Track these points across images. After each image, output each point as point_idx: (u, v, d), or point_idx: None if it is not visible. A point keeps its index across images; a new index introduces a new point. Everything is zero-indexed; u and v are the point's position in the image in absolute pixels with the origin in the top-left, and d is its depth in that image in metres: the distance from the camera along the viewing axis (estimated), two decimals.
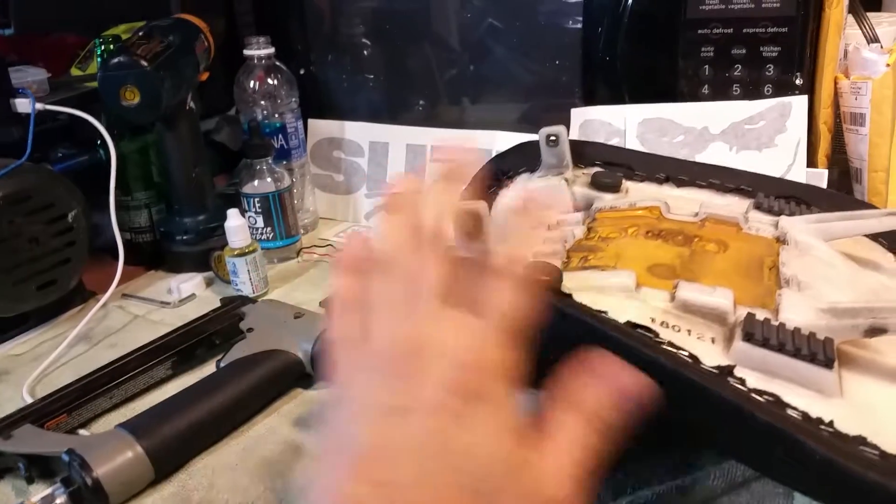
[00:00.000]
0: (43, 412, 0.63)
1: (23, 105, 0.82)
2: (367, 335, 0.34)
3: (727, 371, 0.40)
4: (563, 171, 0.66)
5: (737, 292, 0.45)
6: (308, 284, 0.91)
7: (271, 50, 0.98)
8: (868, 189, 0.85)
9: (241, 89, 1.00)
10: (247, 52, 0.98)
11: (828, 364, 0.39)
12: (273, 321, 0.73)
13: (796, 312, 0.43)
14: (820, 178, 0.85)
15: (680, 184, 0.65)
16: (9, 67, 0.86)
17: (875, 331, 0.40)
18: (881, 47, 0.88)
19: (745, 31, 0.85)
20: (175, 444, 0.59)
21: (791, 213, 0.59)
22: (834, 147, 0.88)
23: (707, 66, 0.87)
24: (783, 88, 0.85)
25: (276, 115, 1.01)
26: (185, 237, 0.94)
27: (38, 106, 0.82)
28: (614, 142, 0.87)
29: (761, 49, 0.86)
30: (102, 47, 0.91)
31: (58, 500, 0.53)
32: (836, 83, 0.88)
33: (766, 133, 0.85)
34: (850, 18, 0.89)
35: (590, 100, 0.94)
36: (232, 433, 0.64)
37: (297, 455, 0.60)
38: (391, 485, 0.28)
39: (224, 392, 0.64)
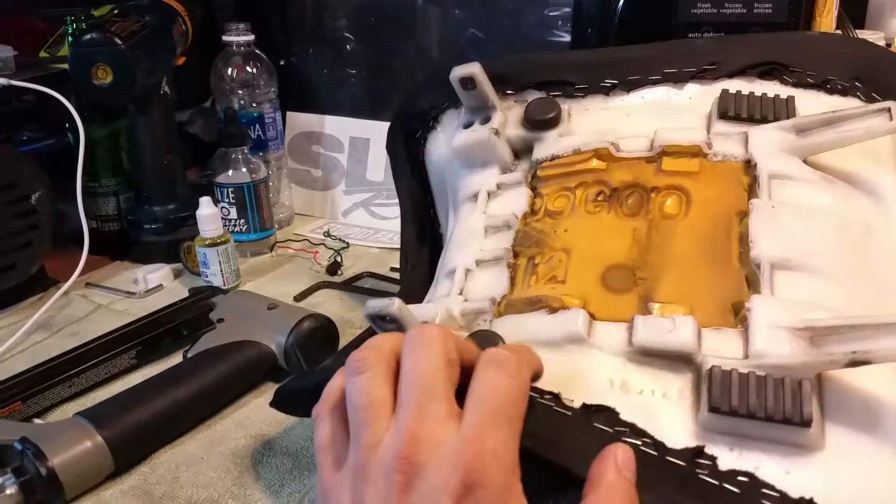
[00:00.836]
0: None
1: None
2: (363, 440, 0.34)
3: (696, 453, 0.37)
4: (490, 114, 0.56)
5: (701, 301, 0.42)
6: (281, 279, 0.88)
7: (251, 37, 0.96)
8: None
9: (218, 76, 0.97)
10: (226, 38, 0.95)
11: (805, 424, 0.35)
12: (245, 312, 0.70)
13: (768, 341, 0.38)
14: None
15: (630, 87, 0.56)
16: None
17: (857, 363, 0.35)
18: None
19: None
20: (137, 434, 0.56)
21: (763, 116, 0.50)
22: None
23: None
24: None
25: (254, 105, 0.98)
26: (153, 226, 0.91)
27: (2, 81, 0.78)
28: None
29: None
30: (74, 25, 0.87)
31: (8, 491, 0.49)
32: None
33: None
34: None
35: None
36: (198, 426, 0.60)
37: (267, 449, 0.57)
38: None
39: (190, 383, 0.61)
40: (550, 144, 0.54)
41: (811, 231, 0.44)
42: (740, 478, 0.35)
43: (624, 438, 0.37)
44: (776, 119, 0.50)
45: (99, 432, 0.54)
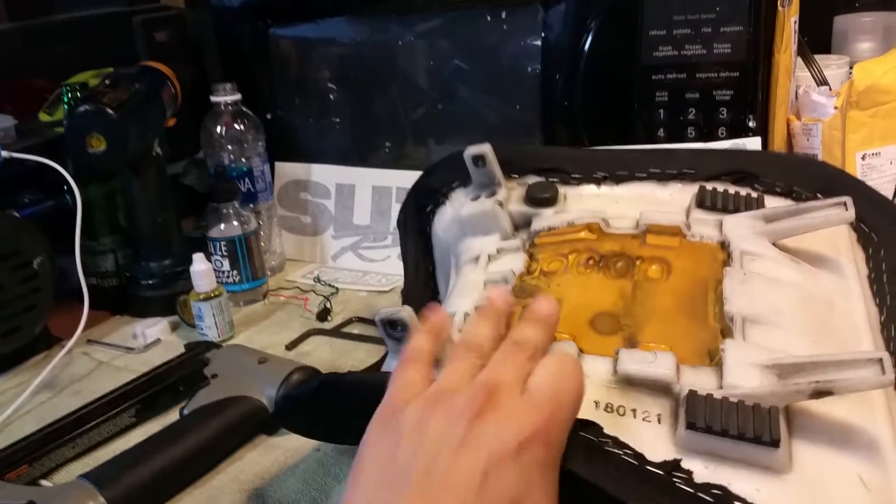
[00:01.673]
0: (4, 463, 0.63)
1: None
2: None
3: (674, 466, 0.40)
4: (496, 189, 0.63)
5: (680, 344, 0.46)
6: (274, 327, 0.92)
7: (238, 96, 1.00)
8: None
9: (207, 134, 1.01)
10: (213, 98, 1.00)
11: (774, 444, 0.38)
12: (237, 367, 0.73)
13: (740, 375, 0.42)
14: (754, 144, 0.87)
15: (619, 180, 0.63)
16: None
17: (820, 393, 0.39)
18: (829, 90, 0.91)
19: (698, 75, 0.88)
20: (138, 494, 0.59)
21: (735, 207, 0.57)
22: None
23: (662, 110, 0.90)
24: (737, 131, 0.88)
25: (243, 160, 1.02)
26: (150, 281, 0.95)
27: (5, 154, 0.83)
28: None
29: (714, 93, 0.88)
30: (69, 94, 0.92)
31: None
32: (788, 125, 0.91)
33: None
34: (801, 61, 0.92)
35: (550, 141, 0.96)
36: (196, 482, 0.64)
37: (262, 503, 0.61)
38: None
39: (187, 440, 0.64)
40: (547, 218, 0.60)
41: (779, 296, 0.49)
42: (714, 490, 0.38)
43: (607, 448, 0.40)
44: (748, 210, 0.56)
45: (102, 494, 0.57)
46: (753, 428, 0.39)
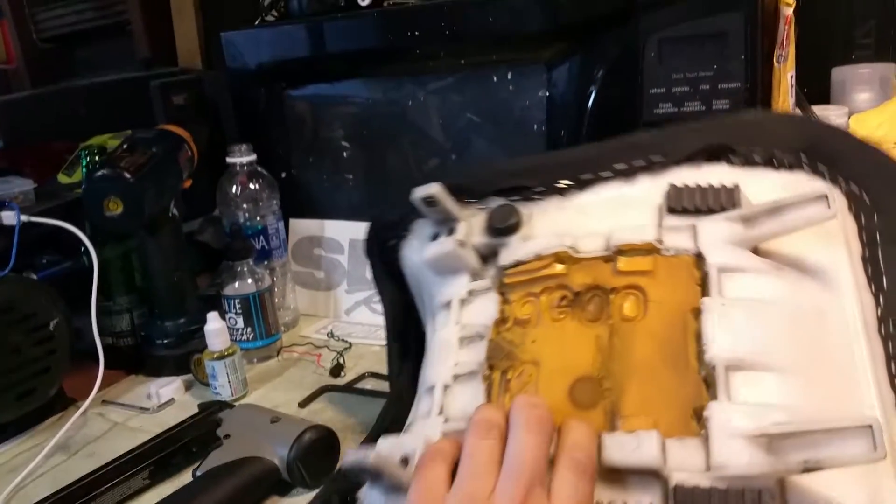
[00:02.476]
0: None
1: (8, 217, 0.85)
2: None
3: None
4: (454, 224, 0.59)
5: (664, 410, 0.44)
6: (287, 384, 0.92)
7: (253, 157, 1.02)
8: None
9: (223, 194, 1.03)
10: (229, 159, 1.02)
11: None
12: (250, 427, 0.73)
13: (727, 451, 0.41)
14: None
15: (583, 185, 0.58)
16: None
17: (810, 470, 0.38)
18: None
19: None
20: None
21: (709, 207, 0.52)
22: None
23: None
24: None
25: (258, 218, 1.03)
26: (165, 341, 0.96)
27: (23, 218, 0.85)
28: None
29: None
30: (87, 158, 0.94)
31: None
32: None
33: None
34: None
35: None
36: None
37: None
38: None
39: (201, 502, 0.64)
40: (513, 250, 0.56)
41: (763, 326, 0.46)
42: None
43: None
44: (723, 209, 0.51)
45: None
46: None
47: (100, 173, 0.85)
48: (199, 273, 1.12)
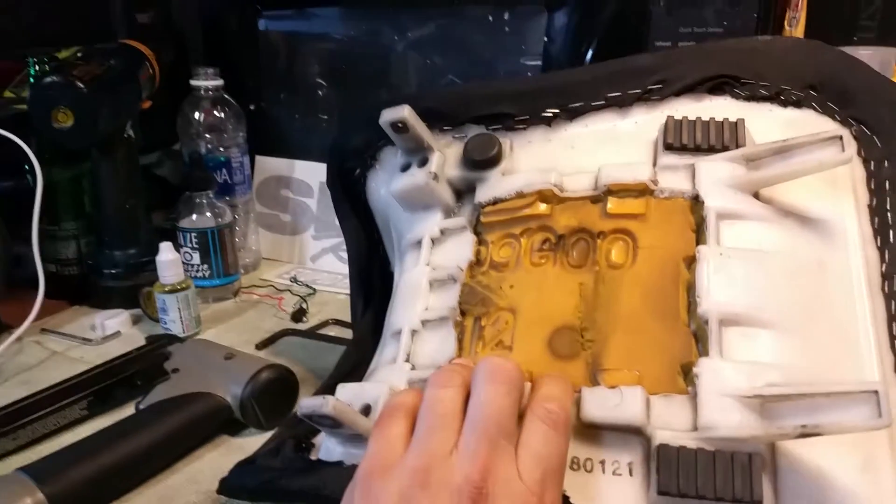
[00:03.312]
0: None
1: None
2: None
3: None
4: (427, 155, 0.54)
5: (649, 362, 0.41)
6: (244, 326, 0.87)
7: (220, 82, 0.95)
8: None
9: (185, 120, 0.96)
10: (194, 82, 0.95)
11: (755, 502, 0.35)
12: (201, 362, 0.68)
13: (717, 411, 0.38)
14: None
15: (572, 115, 0.53)
16: None
17: (807, 436, 0.35)
18: None
19: None
20: (83, 491, 0.54)
21: (710, 144, 0.48)
22: None
23: None
24: None
25: (222, 149, 0.97)
26: (113, 271, 0.89)
27: None
28: None
29: None
30: (37, 67, 0.86)
31: None
32: None
33: None
34: None
35: None
36: (148, 481, 0.58)
37: None
38: None
39: (141, 436, 0.59)
40: (492, 186, 0.52)
41: (761, 279, 0.43)
42: None
43: None
44: (725, 147, 0.48)
45: (40, 489, 0.51)
46: (733, 488, 0.35)
47: (48, 80, 0.78)
48: (154, 209, 1.05)
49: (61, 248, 0.91)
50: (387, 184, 0.57)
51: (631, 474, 0.38)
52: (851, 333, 0.42)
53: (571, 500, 0.38)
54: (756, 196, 0.46)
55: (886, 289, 0.43)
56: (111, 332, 0.83)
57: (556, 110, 0.54)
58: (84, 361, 0.77)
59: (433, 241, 0.53)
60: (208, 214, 0.90)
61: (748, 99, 0.51)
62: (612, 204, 0.48)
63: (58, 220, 0.90)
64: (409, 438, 0.37)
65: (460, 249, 0.51)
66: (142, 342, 0.76)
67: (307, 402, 0.41)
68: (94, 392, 0.67)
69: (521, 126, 0.54)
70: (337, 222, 1.02)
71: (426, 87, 1.00)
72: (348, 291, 0.94)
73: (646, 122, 0.52)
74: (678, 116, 0.49)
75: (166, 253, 0.80)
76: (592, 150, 0.51)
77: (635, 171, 0.48)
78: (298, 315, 0.87)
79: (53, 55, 0.89)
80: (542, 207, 0.50)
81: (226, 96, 0.97)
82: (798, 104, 0.50)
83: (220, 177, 0.97)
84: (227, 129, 0.97)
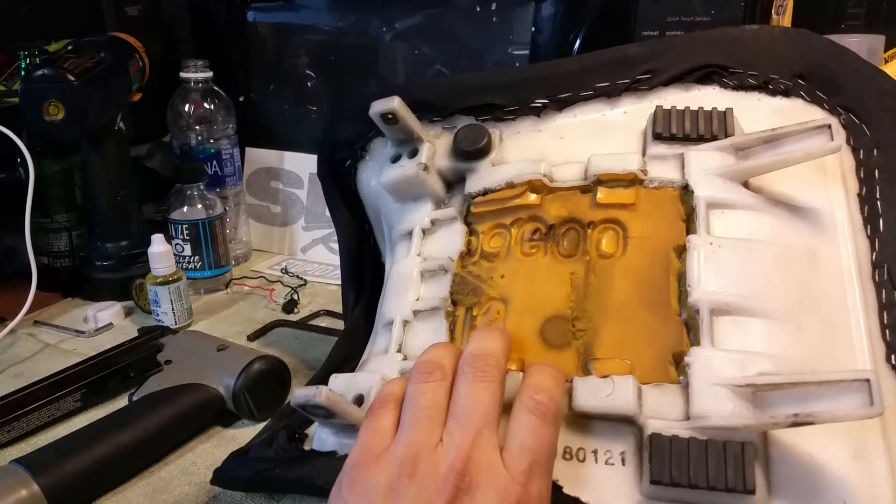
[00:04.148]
0: None
1: None
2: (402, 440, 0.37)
3: None
4: (417, 145, 0.54)
5: (641, 352, 0.41)
6: (236, 317, 0.87)
7: (209, 74, 0.95)
8: None
9: (175, 113, 0.96)
10: (183, 74, 0.95)
11: (748, 492, 0.35)
12: (194, 353, 0.68)
13: (709, 400, 0.38)
14: None
15: (561, 105, 0.53)
16: None
17: (799, 424, 0.35)
18: None
19: None
20: (77, 482, 0.54)
21: (699, 133, 0.48)
22: None
23: None
24: None
25: (212, 141, 0.97)
26: (105, 263, 0.89)
27: None
28: None
29: None
30: (28, 60, 0.86)
31: None
32: None
33: None
34: None
35: None
36: (142, 473, 0.59)
37: (213, 499, 0.56)
38: None
39: (134, 428, 0.59)
40: (482, 176, 0.52)
41: (752, 268, 0.43)
42: None
43: None
44: (714, 137, 0.48)
45: (35, 480, 0.52)
46: (725, 477, 0.36)
47: (40, 73, 0.78)
48: (145, 202, 1.05)
49: (53, 240, 0.91)
50: (377, 175, 0.57)
51: (623, 464, 0.39)
52: (842, 322, 0.42)
53: (564, 490, 0.38)
54: (746, 185, 0.47)
55: (877, 277, 0.44)
56: (103, 323, 0.83)
57: (545, 101, 0.54)
58: (77, 353, 0.77)
59: (424, 231, 0.53)
60: (199, 206, 0.90)
61: (736, 88, 0.51)
62: (602, 194, 0.48)
63: (50, 212, 0.90)
64: (396, 430, 0.38)
65: (451, 240, 0.51)
66: (134, 334, 0.77)
67: (300, 392, 0.42)
68: (88, 384, 0.67)
69: (510, 117, 0.55)
70: (327, 213, 1.04)
71: (415, 77, 1.00)
72: (339, 282, 0.95)
73: (635, 111, 0.52)
74: (667, 106, 0.50)
75: (158, 245, 0.80)
76: (582, 141, 0.52)
77: (625, 161, 0.48)
78: (290, 306, 0.88)
79: (44, 48, 0.89)
80: (532, 198, 0.50)
81: (215, 88, 0.97)
82: (786, 93, 0.50)
83: (210, 168, 0.97)
84: (216, 121, 0.97)
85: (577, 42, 0.88)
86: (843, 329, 0.42)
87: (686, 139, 0.48)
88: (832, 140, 0.44)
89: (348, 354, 0.58)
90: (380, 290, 0.56)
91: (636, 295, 0.44)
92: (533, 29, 0.91)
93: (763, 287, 0.42)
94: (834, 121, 0.45)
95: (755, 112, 0.49)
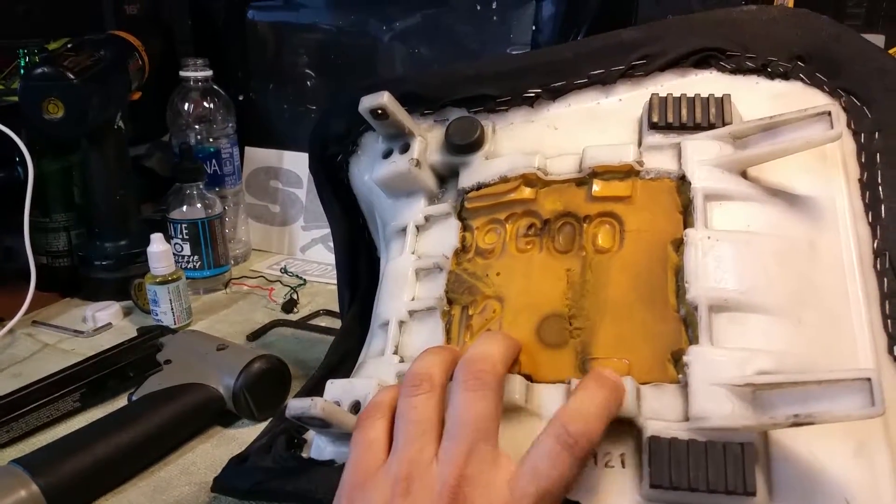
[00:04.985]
0: None
1: None
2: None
3: None
4: (409, 140, 0.53)
5: (639, 350, 0.41)
6: (235, 317, 0.87)
7: (209, 73, 0.95)
8: None
9: (174, 112, 0.96)
10: (183, 73, 0.95)
11: (748, 493, 0.35)
12: (193, 353, 0.68)
13: (708, 400, 0.37)
14: None
15: (555, 94, 0.52)
16: None
17: (799, 425, 0.34)
18: None
19: None
20: (76, 482, 0.54)
21: (695, 122, 0.46)
22: None
23: None
24: None
25: (211, 140, 0.97)
26: (104, 263, 0.89)
27: None
28: None
29: None
30: (27, 58, 0.86)
31: None
32: None
33: None
34: None
35: None
36: (142, 473, 0.59)
37: (213, 499, 0.55)
38: None
39: (133, 428, 0.59)
40: (476, 170, 0.51)
41: (751, 262, 0.42)
42: None
43: None
44: (711, 125, 0.46)
45: (35, 480, 0.52)
46: (725, 479, 0.35)
47: (39, 71, 0.78)
48: (144, 201, 1.05)
49: (52, 239, 0.91)
50: (369, 170, 0.56)
51: (623, 466, 0.38)
52: (844, 316, 0.41)
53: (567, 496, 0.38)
54: (744, 175, 0.45)
55: (878, 266, 0.43)
56: (102, 323, 0.83)
57: (538, 90, 0.52)
58: (76, 353, 0.77)
59: (418, 228, 0.52)
60: (198, 205, 0.90)
61: (734, 72, 0.49)
62: (598, 186, 0.47)
63: (48, 211, 0.90)
64: (389, 439, 0.38)
65: (445, 236, 0.50)
66: (133, 334, 0.76)
67: (295, 404, 0.41)
68: (87, 384, 0.67)
69: (502, 107, 0.53)
70: None
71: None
72: None
73: (630, 99, 0.50)
74: (663, 93, 0.48)
75: (157, 244, 0.80)
76: (576, 131, 0.50)
77: (620, 153, 0.47)
78: (289, 306, 0.87)
79: (43, 46, 0.89)
80: (527, 192, 0.49)
81: (215, 87, 0.97)
82: (785, 76, 0.49)
83: (209, 168, 0.97)
84: (216, 120, 0.97)
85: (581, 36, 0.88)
86: (844, 321, 0.41)
87: (682, 128, 0.47)
88: (832, 128, 0.42)
89: (346, 352, 0.58)
90: (376, 286, 0.55)
91: (634, 291, 0.43)
92: (533, 29, 0.90)
93: (762, 281, 0.41)
94: (834, 106, 0.43)
95: (754, 96, 0.48)
